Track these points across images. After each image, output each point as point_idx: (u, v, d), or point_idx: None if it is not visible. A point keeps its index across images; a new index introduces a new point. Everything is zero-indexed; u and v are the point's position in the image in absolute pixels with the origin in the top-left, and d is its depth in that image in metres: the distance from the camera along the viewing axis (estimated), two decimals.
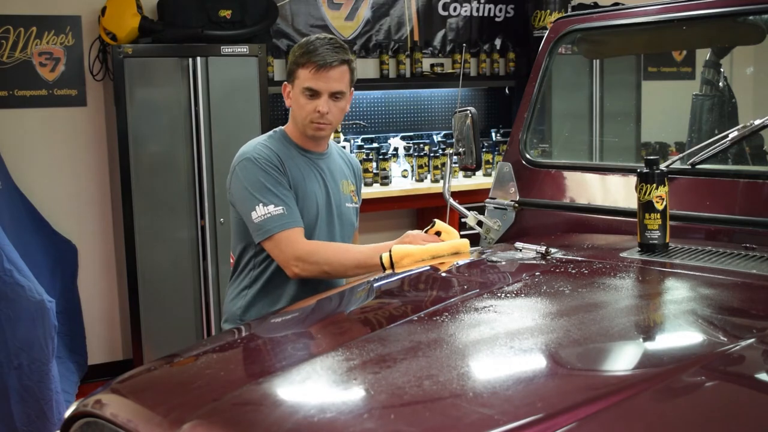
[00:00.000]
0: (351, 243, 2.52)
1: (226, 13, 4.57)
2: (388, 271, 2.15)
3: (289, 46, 5.25)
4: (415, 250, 2.19)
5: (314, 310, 1.97)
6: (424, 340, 1.50)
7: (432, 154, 5.20)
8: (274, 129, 2.45)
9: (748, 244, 2.03)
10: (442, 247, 2.23)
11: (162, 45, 4.36)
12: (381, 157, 5.10)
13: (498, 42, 5.87)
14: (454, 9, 5.75)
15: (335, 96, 2.31)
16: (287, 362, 1.54)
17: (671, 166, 2.20)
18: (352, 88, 2.41)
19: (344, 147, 5.18)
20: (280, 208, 2.23)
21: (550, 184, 2.55)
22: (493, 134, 5.74)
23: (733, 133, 2.16)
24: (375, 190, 4.94)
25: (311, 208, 2.36)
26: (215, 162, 4.40)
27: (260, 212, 2.23)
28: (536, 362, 1.44)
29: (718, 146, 2.18)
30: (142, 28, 4.39)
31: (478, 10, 5.82)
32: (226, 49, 4.40)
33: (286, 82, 2.40)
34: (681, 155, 2.26)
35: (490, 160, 5.30)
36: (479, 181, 5.08)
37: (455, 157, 2.64)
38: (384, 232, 5.70)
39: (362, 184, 2.68)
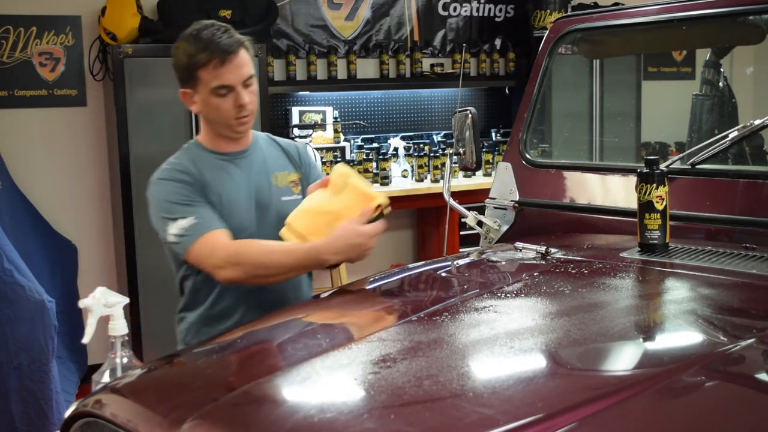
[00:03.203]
0: None
1: (226, 13, 4.57)
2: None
3: (289, 46, 5.24)
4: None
5: (313, 310, 1.97)
6: (424, 340, 1.50)
7: (432, 154, 5.20)
8: (188, 142, 2.28)
9: (748, 244, 2.03)
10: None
11: (162, 45, 4.35)
12: (381, 157, 5.10)
13: (498, 42, 5.87)
14: (454, 9, 5.75)
15: (246, 83, 2.12)
16: (287, 362, 1.54)
17: (671, 166, 2.20)
18: None
19: (343, 147, 5.18)
20: (191, 218, 2.05)
21: (550, 184, 2.55)
22: (493, 134, 5.74)
23: (733, 133, 2.16)
24: (375, 190, 4.92)
25: (235, 212, 2.15)
26: None
27: (173, 231, 2.06)
28: (536, 362, 1.44)
29: (718, 146, 2.18)
30: (142, 28, 4.39)
31: (478, 10, 5.82)
32: None
33: (184, 89, 2.17)
34: (681, 155, 2.26)
35: (490, 160, 5.30)
36: (479, 181, 5.07)
37: (455, 157, 2.64)
38: (384, 232, 5.69)
39: (313, 164, 2.37)
